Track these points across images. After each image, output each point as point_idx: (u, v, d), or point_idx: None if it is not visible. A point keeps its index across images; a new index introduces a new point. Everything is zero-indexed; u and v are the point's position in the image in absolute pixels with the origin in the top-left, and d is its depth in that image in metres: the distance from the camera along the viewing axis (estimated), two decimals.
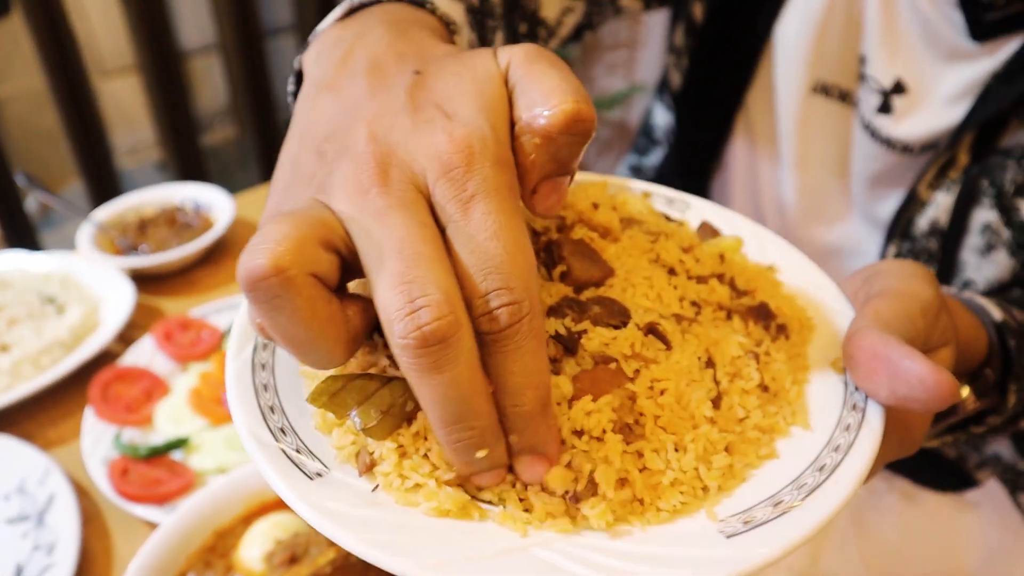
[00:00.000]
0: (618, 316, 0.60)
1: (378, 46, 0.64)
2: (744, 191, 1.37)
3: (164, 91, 3.51)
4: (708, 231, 0.76)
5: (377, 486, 0.54)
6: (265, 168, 3.94)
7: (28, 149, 4.00)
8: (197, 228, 1.82)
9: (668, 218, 0.78)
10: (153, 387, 1.39)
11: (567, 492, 0.53)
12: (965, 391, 0.82)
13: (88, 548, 1.16)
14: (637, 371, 0.57)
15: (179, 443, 1.27)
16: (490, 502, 0.54)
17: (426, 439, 0.54)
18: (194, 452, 1.27)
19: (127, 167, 4.26)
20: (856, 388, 0.61)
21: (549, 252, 0.65)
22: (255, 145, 3.89)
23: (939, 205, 1.11)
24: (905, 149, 1.13)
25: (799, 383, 0.64)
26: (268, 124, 3.85)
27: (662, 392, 0.57)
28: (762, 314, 0.67)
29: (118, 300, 1.56)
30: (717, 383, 0.60)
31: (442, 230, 0.51)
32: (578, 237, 0.67)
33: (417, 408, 0.55)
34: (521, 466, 0.53)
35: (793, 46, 1.18)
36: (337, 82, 0.62)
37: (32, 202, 3.77)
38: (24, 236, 3.34)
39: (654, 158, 1.56)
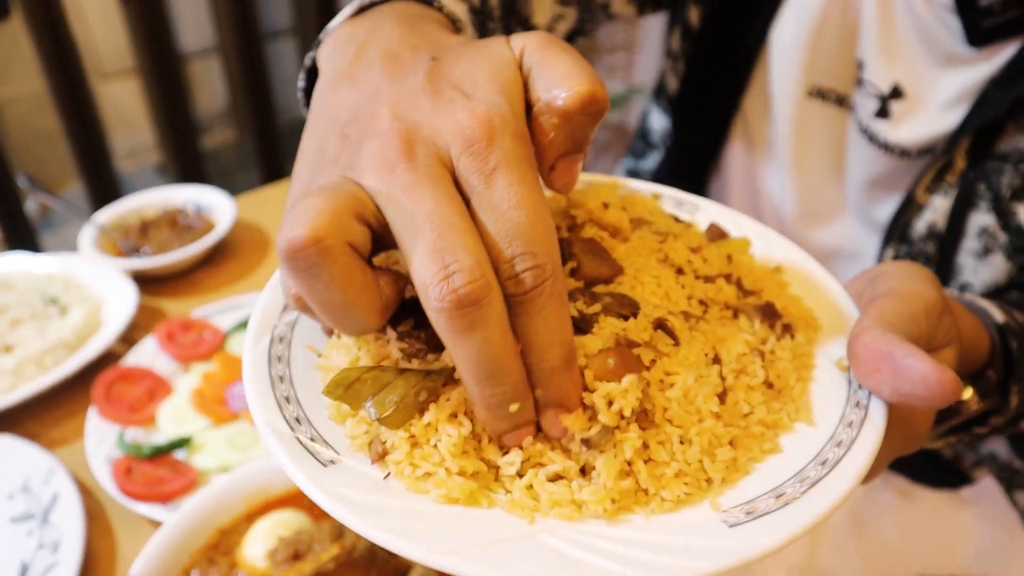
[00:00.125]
0: (628, 307, 0.61)
1: (391, 39, 0.66)
2: (741, 195, 1.38)
3: (164, 94, 3.52)
4: (716, 233, 0.77)
5: (389, 474, 0.56)
6: (265, 171, 3.94)
7: (27, 151, 4.00)
8: (198, 230, 1.83)
9: (677, 219, 0.79)
10: (156, 387, 1.40)
11: (583, 438, 0.54)
12: (968, 392, 0.83)
13: (92, 546, 1.16)
14: (653, 361, 0.58)
15: (182, 442, 1.28)
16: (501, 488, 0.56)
17: (437, 430, 0.56)
18: (197, 451, 1.28)
19: (126, 170, 4.27)
20: (860, 386, 0.62)
21: (560, 250, 0.66)
22: (254, 148, 3.90)
23: (936, 209, 1.12)
24: (903, 153, 1.14)
25: (803, 380, 0.65)
26: (268, 127, 3.85)
27: (671, 385, 0.58)
28: (768, 313, 0.68)
29: (120, 301, 1.57)
30: (723, 379, 0.61)
31: (466, 201, 0.53)
32: (588, 236, 0.68)
33: (429, 400, 0.56)
34: (547, 421, 0.55)
35: (789, 51, 1.19)
36: (354, 73, 0.64)
37: (32, 204, 3.77)
38: (24, 238, 3.35)
39: (651, 161, 1.57)
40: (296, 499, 1.10)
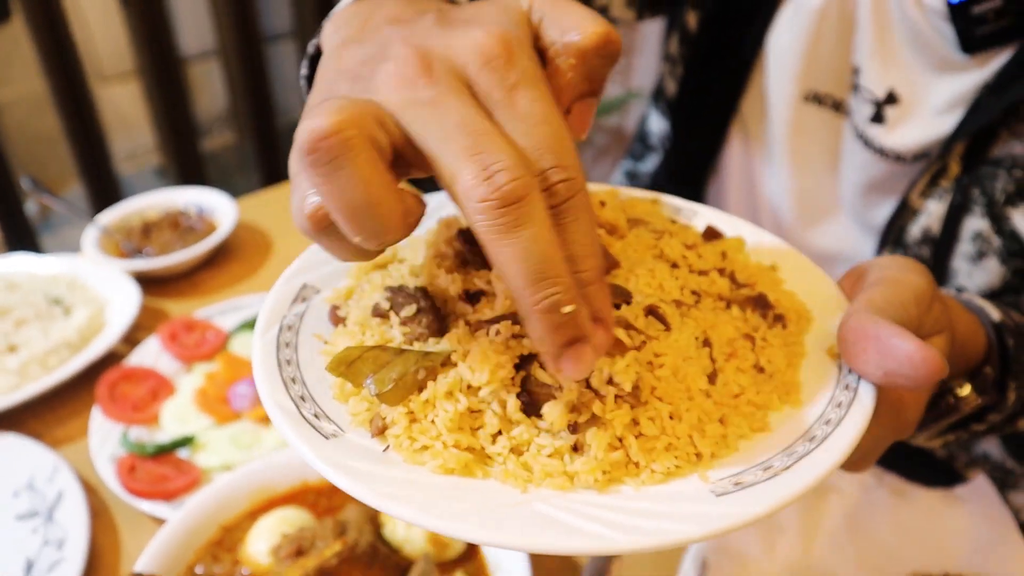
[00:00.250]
0: (620, 296, 0.63)
1: (393, 10, 0.66)
2: (739, 197, 1.39)
3: (164, 96, 3.53)
4: (712, 234, 0.78)
5: (388, 447, 0.58)
6: (265, 173, 3.95)
7: (27, 153, 4.01)
8: (200, 232, 1.85)
9: (674, 221, 0.80)
10: (159, 387, 1.41)
11: (569, 424, 0.56)
12: (966, 389, 0.84)
13: (96, 543, 1.18)
14: (643, 342, 0.60)
15: (185, 441, 1.30)
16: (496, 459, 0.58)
17: (434, 406, 0.58)
18: (200, 450, 1.29)
19: (126, 172, 4.28)
20: (849, 371, 0.64)
21: None
22: (254, 150, 3.91)
23: (931, 213, 1.13)
24: (897, 158, 1.15)
25: (795, 366, 0.66)
26: (267, 129, 3.87)
27: (660, 366, 0.60)
28: (760, 303, 0.69)
29: (123, 302, 1.58)
30: (713, 361, 0.62)
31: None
32: None
33: (427, 378, 0.58)
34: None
35: (786, 56, 1.20)
36: (359, 37, 0.63)
37: (32, 205, 3.78)
38: (24, 239, 3.36)
39: (650, 164, 1.59)
40: (299, 497, 1.11)
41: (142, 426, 1.34)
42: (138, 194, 1.96)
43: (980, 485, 1.14)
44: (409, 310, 0.64)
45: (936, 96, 1.12)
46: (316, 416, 0.59)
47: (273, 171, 3.97)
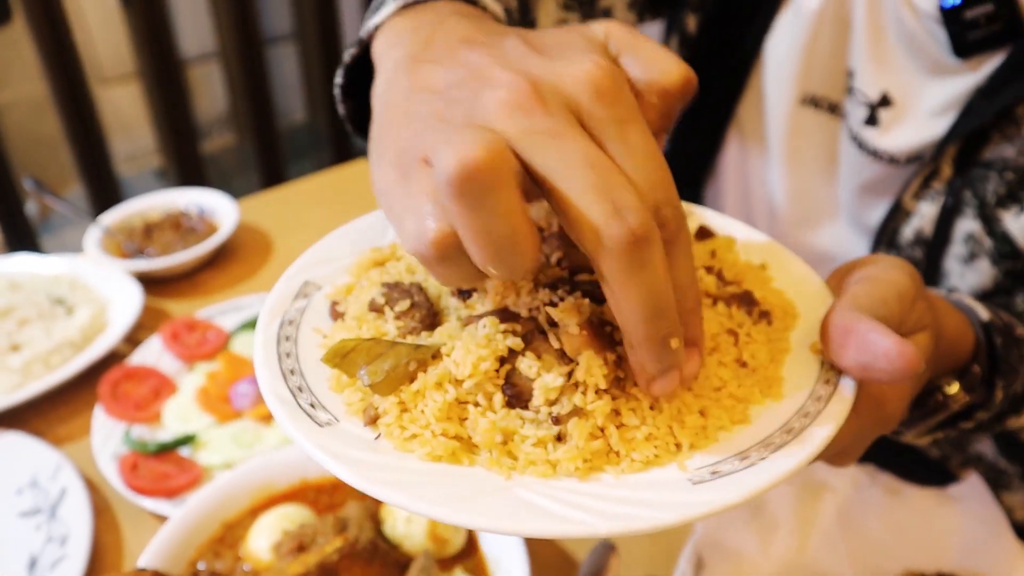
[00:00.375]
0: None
1: (459, 28, 0.67)
2: (736, 198, 1.41)
3: (164, 98, 3.54)
4: (704, 235, 0.80)
5: (379, 435, 0.60)
6: (264, 175, 3.96)
7: (28, 154, 4.02)
8: (202, 232, 1.86)
9: None
10: (161, 386, 1.42)
11: (552, 416, 0.58)
12: (954, 387, 0.86)
13: (99, 540, 1.19)
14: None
15: (187, 439, 1.31)
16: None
17: (424, 396, 0.60)
18: (201, 448, 1.31)
19: (125, 174, 4.29)
20: (831, 366, 0.65)
21: (549, 244, 0.70)
22: (254, 152, 3.92)
23: (924, 215, 1.14)
24: (891, 160, 1.16)
25: (778, 362, 0.67)
26: (267, 131, 3.88)
27: None
28: (745, 300, 0.71)
29: (125, 302, 1.60)
30: None
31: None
32: None
33: (418, 370, 0.60)
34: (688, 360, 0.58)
35: (783, 59, 1.21)
36: (432, 56, 0.63)
37: (32, 206, 3.79)
38: (24, 240, 3.37)
39: None
40: (300, 494, 1.13)
41: (144, 424, 1.35)
42: (138, 195, 1.98)
43: (973, 484, 1.15)
44: (403, 305, 0.67)
45: (929, 99, 1.13)
46: (312, 405, 0.61)
47: (273, 173, 3.98)
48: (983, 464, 1.28)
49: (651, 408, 0.60)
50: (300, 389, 0.63)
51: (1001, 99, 1.03)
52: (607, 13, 1.32)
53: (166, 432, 1.35)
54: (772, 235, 1.33)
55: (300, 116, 5.04)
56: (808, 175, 1.29)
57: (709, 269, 0.74)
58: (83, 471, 1.27)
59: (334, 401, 0.63)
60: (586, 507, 0.53)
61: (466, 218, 0.49)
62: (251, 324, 1.55)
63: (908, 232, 1.16)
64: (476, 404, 0.60)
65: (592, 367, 0.58)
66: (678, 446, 0.59)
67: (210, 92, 4.67)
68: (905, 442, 0.94)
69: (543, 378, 0.59)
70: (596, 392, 0.58)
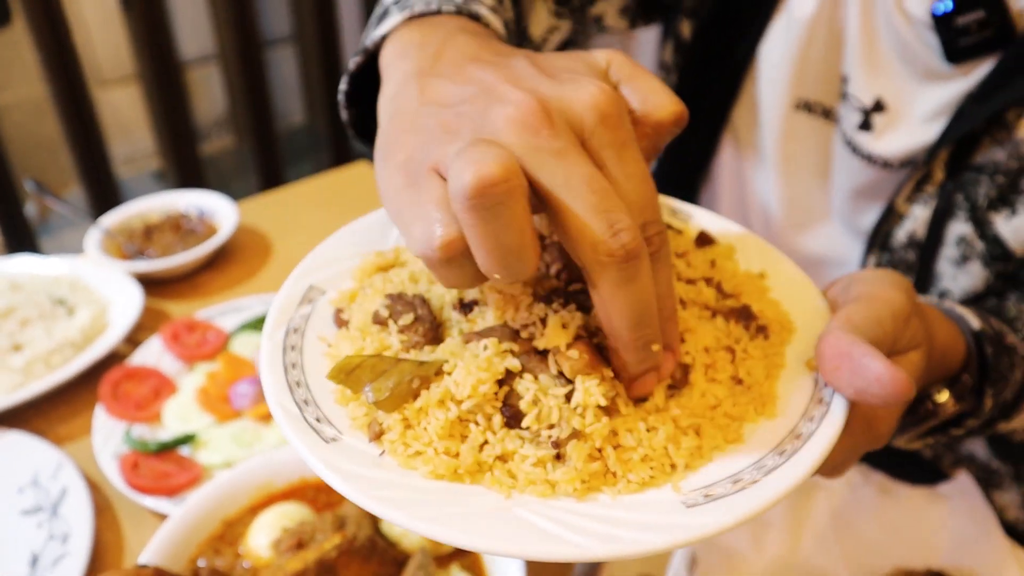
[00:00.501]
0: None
1: (468, 46, 0.71)
2: (731, 202, 1.42)
3: (163, 100, 3.55)
4: (705, 240, 0.81)
5: (383, 451, 0.61)
6: (263, 177, 3.97)
7: (27, 156, 4.03)
8: (201, 234, 1.87)
9: (669, 227, 0.83)
10: (161, 386, 1.44)
11: (550, 437, 0.60)
12: (944, 395, 0.87)
13: (100, 538, 1.20)
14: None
15: (187, 439, 1.32)
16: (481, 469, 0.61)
17: (427, 414, 0.61)
18: (201, 448, 1.32)
19: (124, 176, 4.30)
20: (825, 385, 0.66)
21: (550, 253, 0.71)
22: (253, 154, 3.93)
23: (916, 218, 1.16)
24: (884, 164, 1.18)
25: (772, 378, 0.69)
26: (266, 133, 3.89)
27: None
28: (743, 315, 0.72)
29: (126, 303, 1.61)
30: (685, 367, 0.66)
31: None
32: None
33: (422, 387, 0.61)
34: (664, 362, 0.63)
35: (777, 65, 1.22)
36: (442, 71, 0.67)
37: (31, 208, 3.80)
38: (24, 241, 3.38)
39: None
40: (298, 492, 1.14)
41: (144, 424, 1.36)
42: (137, 197, 1.99)
43: (963, 483, 1.16)
44: (407, 318, 0.68)
45: (922, 104, 1.14)
46: (318, 420, 0.63)
47: (272, 175, 3.99)
48: (975, 464, 1.29)
49: (647, 430, 0.61)
50: (306, 402, 0.64)
51: (992, 104, 1.04)
52: (598, 20, 1.33)
53: (166, 432, 1.36)
54: (766, 238, 1.35)
55: (299, 118, 5.06)
56: (802, 179, 1.30)
57: (708, 281, 0.75)
58: (84, 470, 1.28)
59: (339, 414, 0.64)
60: (582, 529, 0.55)
61: (478, 228, 0.53)
62: (250, 325, 1.56)
63: (901, 235, 1.17)
64: (476, 423, 0.61)
65: (591, 390, 0.60)
66: (673, 467, 0.61)
67: (209, 94, 4.68)
68: (896, 447, 0.95)
69: (542, 402, 0.60)
70: (595, 413, 0.60)
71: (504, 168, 0.51)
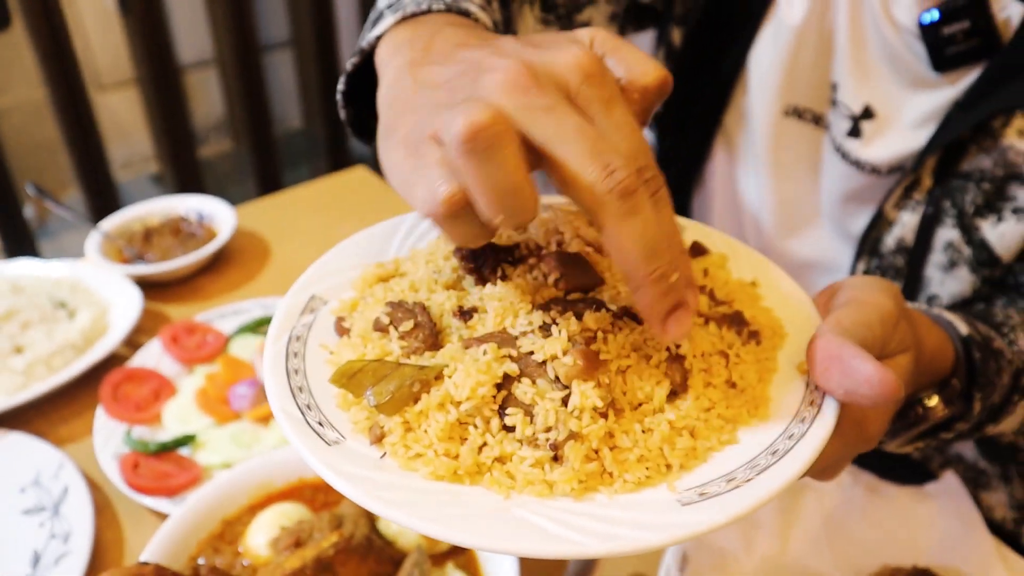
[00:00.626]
0: (591, 305, 0.68)
1: (456, 36, 0.75)
2: (724, 208, 1.43)
3: (162, 104, 3.56)
4: (698, 250, 0.83)
5: (385, 454, 0.63)
6: (260, 180, 3.99)
7: (26, 159, 4.04)
8: (201, 238, 1.89)
9: None
10: (161, 387, 1.45)
11: (548, 441, 0.61)
12: (934, 400, 0.89)
13: (101, 537, 1.22)
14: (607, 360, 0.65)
15: (187, 440, 1.34)
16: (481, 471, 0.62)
17: (428, 417, 0.63)
18: (201, 448, 1.34)
19: (122, 179, 4.31)
20: (815, 387, 0.68)
21: (547, 263, 0.72)
22: (250, 158, 3.95)
23: (905, 224, 1.17)
24: (873, 171, 1.20)
25: (765, 382, 0.70)
26: (264, 137, 3.91)
27: (626, 369, 0.65)
28: (736, 321, 0.73)
29: (126, 305, 1.62)
30: (686, 371, 0.67)
31: None
32: (574, 251, 0.74)
33: (422, 391, 0.63)
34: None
35: (767, 73, 1.24)
36: (433, 59, 0.71)
37: (29, 211, 3.81)
38: (23, 245, 3.39)
39: None
40: (297, 492, 1.16)
41: (144, 425, 1.38)
42: (135, 201, 2.01)
43: (949, 482, 1.18)
44: (407, 325, 0.69)
45: (910, 112, 1.16)
46: (320, 424, 0.64)
47: (269, 178, 4.01)
48: (963, 464, 1.31)
49: (643, 431, 0.63)
50: (309, 407, 0.65)
51: (978, 112, 1.06)
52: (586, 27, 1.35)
53: (166, 433, 1.38)
54: (758, 242, 1.37)
55: (296, 122, 5.07)
56: (793, 184, 1.32)
57: (702, 289, 0.76)
58: (85, 470, 1.29)
59: (341, 418, 0.65)
60: (580, 527, 0.56)
61: (475, 172, 0.56)
62: (249, 327, 1.58)
63: (890, 241, 1.19)
64: (475, 426, 0.62)
65: (587, 393, 0.61)
66: (668, 467, 0.62)
67: (207, 98, 4.69)
68: (887, 450, 0.97)
69: (539, 405, 0.62)
70: (591, 415, 0.61)
71: (491, 114, 0.55)
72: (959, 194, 1.12)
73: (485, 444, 0.62)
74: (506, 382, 0.63)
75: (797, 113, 1.26)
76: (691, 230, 0.89)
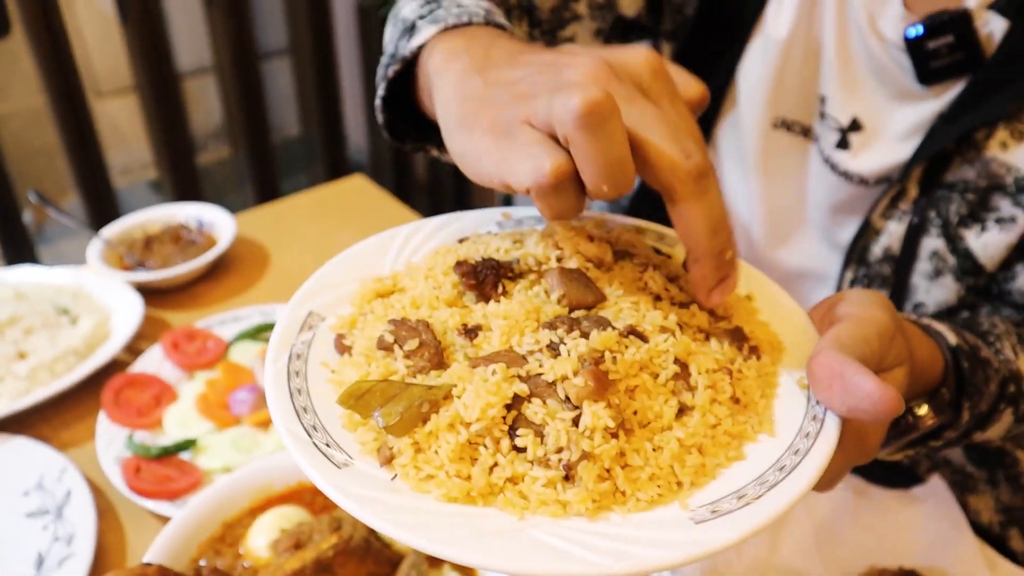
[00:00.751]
0: (600, 324, 0.68)
1: (512, 44, 0.83)
2: None
3: (160, 111, 3.57)
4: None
5: (395, 475, 0.62)
6: (258, 187, 4.00)
7: (25, 165, 4.06)
8: (201, 245, 1.91)
9: (659, 251, 0.85)
10: (162, 393, 1.48)
11: (561, 461, 0.61)
12: (924, 409, 0.91)
13: (103, 540, 1.24)
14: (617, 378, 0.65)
15: (187, 444, 1.37)
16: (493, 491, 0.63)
17: (438, 437, 0.62)
18: (201, 453, 1.36)
19: (121, 185, 4.33)
20: (817, 402, 0.70)
21: (550, 280, 0.74)
22: (248, 165, 3.96)
23: (891, 233, 1.19)
24: (861, 181, 1.21)
25: (767, 397, 0.72)
26: (262, 144, 3.92)
27: (634, 388, 0.66)
28: (736, 336, 0.74)
29: (127, 312, 1.65)
30: (691, 388, 0.68)
31: None
32: (575, 267, 0.75)
33: (431, 411, 0.63)
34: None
35: (755, 86, 1.26)
36: (495, 64, 0.78)
37: (27, 217, 3.83)
38: (23, 251, 3.41)
39: None
40: (296, 495, 1.18)
41: (146, 430, 1.41)
42: (133, 207, 2.03)
43: (935, 486, 1.21)
44: (412, 344, 0.68)
45: (896, 124, 1.18)
46: (328, 445, 0.63)
47: (267, 185, 4.02)
48: (951, 469, 1.33)
49: (653, 450, 0.64)
50: (315, 428, 0.65)
51: (961, 125, 1.08)
52: (570, 42, 1.38)
53: (167, 437, 1.40)
54: (749, 252, 1.39)
55: (294, 129, 5.09)
56: (782, 195, 1.33)
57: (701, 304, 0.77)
58: (87, 474, 1.32)
59: (347, 439, 0.65)
60: (596, 547, 0.57)
61: (589, 144, 0.63)
62: (249, 334, 1.60)
63: (877, 250, 1.21)
64: (485, 447, 0.62)
65: (599, 413, 0.62)
66: (679, 484, 0.63)
67: (206, 105, 4.71)
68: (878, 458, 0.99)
69: (550, 425, 0.62)
70: (603, 435, 0.62)
71: (605, 92, 0.62)
72: (944, 204, 1.14)
73: (496, 465, 0.62)
74: (516, 402, 0.63)
75: (786, 125, 1.28)
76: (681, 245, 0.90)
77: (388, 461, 0.63)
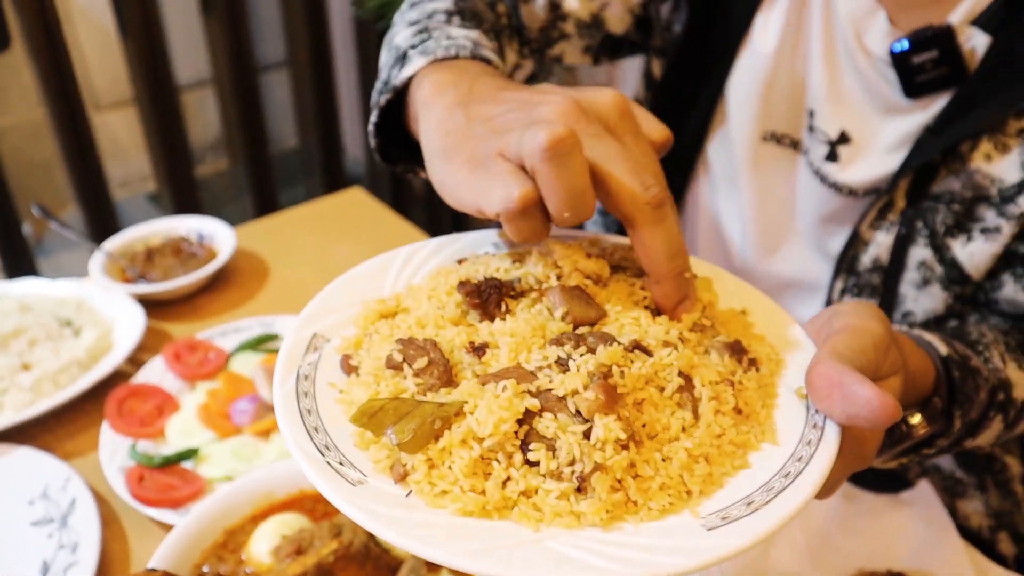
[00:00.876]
0: (605, 339, 0.70)
1: (495, 81, 0.91)
2: (707, 230, 1.47)
3: (159, 124, 3.59)
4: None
5: (410, 492, 0.63)
6: (257, 199, 4.02)
7: (24, 178, 4.08)
8: (201, 258, 1.93)
9: None
10: (164, 403, 1.50)
11: (574, 473, 0.63)
12: (917, 418, 0.93)
13: (107, 548, 1.26)
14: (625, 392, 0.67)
15: (190, 453, 1.39)
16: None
17: (451, 453, 0.64)
18: (203, 462, 1.38)
19: (119, 198, 4.34)
20: (816, 411, 0.72)
21: (553, 298, 0.76)
22: (247, 177, 3.98)
23: (880, 243, 1.21)
24: (850, 193, 1.24)
25: (768, 407, 0.74)
26: (260, 157, 3.93)
27: (641, 401, 0.68)
28: (736, 349, 0.76)
29: (129, 324, 1.67)
30: (695, 399, 0.70)
31: None
32: (574, 284, 0.77)
33: (443, 428, 0.65)
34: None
35: (744, 101, 1.28)
36: (478, 99, 0.85)
37: (27, 229, 3.85)
38: (23, 263, 3.42)
39: None
40: (297, 503, 1.20)
41: (149, 440, 1.42)
42: (132, 219, 2.05)
43: (923, 490, 1.23)
44: (421, 362, 0.70)
45: (884, 136, 1.20)
46: (341, 463, 0.65)
47: (265, 197, 4.03)
48: (940, 474, 1.35)
49: (663, 460, 0.66)
50: (327, 447, 0.66)
51: (946, 137, 1.11)
52: (559, 60, 1.41)
53: (170, 447, 1.42)
54: (741, 263, 1.41)
55: (292, 142, 5.11)
56: (773, 206, 1.35)
57: (702, 327, 0.79)
58: (91, 483, 1.34)
59: (360, 458, 0.66)
60: (614, 556, 0.58)
61: (553, 174, 0.69)
62: (249, 344, 1.62)
63: (866, 259, 1.23)
64: (498, 461, 0.63)
65: (610, 426, 0.63)
66: (689, 493, 0.65)
67: (204, 118, 4.74)
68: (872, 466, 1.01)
69: (561, 439, 0.64)
70: (614, 447, 0.63)
71: (569, 129, 0.68)
72: (930, 215, 1.16)
73: (509, 478, 0.63)
74: (527, 417, 0.64)
75: (775, 138, 1.30)
76: None
77: (402, 478, 0.64)
